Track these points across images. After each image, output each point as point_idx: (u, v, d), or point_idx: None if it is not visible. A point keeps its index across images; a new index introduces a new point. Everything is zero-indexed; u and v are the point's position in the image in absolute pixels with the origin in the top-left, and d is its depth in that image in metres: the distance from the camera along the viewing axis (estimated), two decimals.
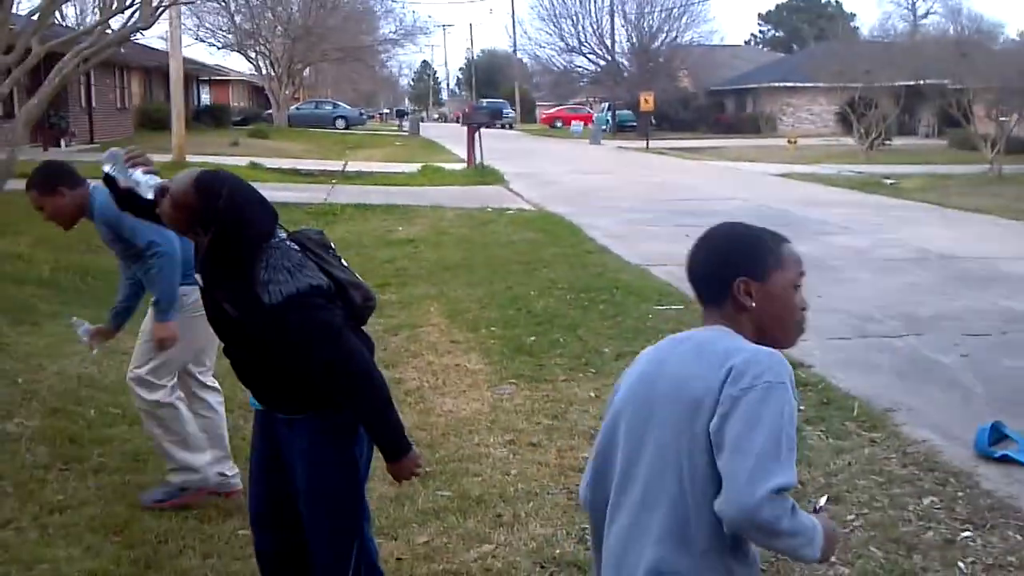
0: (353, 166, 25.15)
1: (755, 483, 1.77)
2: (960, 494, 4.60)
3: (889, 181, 22.94)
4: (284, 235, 2.95)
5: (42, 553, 3.95)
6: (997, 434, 5.20)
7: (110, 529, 4.18)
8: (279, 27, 46.31)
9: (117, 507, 4.38)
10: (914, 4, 67.39)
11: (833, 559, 3.93)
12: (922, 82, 32.09)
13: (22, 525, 4.20)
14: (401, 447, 2.97)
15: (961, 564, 3.92)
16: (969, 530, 4.23)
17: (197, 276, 3.03)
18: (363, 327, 3.06)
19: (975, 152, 27.08)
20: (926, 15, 59.12)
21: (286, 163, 24.07)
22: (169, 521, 4.29)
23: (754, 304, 1.98)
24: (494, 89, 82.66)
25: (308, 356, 2.84)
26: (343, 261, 3.05)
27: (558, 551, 4.04)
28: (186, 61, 27.64)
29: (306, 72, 54.59)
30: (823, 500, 2.25)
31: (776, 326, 2.01)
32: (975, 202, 18.16)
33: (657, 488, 1.93)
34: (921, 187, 21.55)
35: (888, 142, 34.06)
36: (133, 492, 4.52)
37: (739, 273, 1.99)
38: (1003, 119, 26.49)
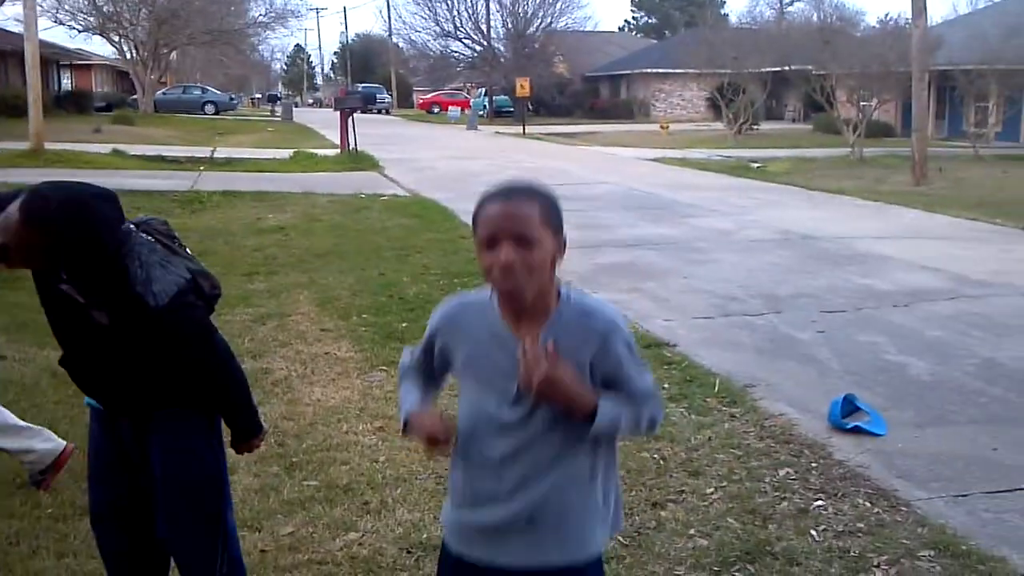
0: (222, 152, 24.54)
1: None
2: (814, 465, 4.78)
3: (756, 165, 23.63)
4: (132, 226, 2.84)
5: None
6: (849, 406, 5.41)
7: None
8: (143, 9, 44.79)
9: None
10: None
11: (692, 531, 4.05)
12: (788, 68, 33.10)
13: None
14: (254, 428, 3.07)
15: (813, 532, 4.07)
16: (822, 499, 4.39)
17: (65, 288, 2.80)
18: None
19: (838, 136, 28.15)
20: (792, 3, 61.03)
21: (151, 150, 23.35)
22: (21, 521, 4.13)
23: None
24: (370, 74, 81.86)
25: (180, 355, 2.82)
26: (187, 250, 3.00)
27: (425, 536, 4.04)
28: (44, 44, 26.55)
29: (173, 56, 52.96)
30: None
31: None
32: (837, 184, 18.88)
33: None
34: (786, 170, 22.27)
35: (756, 127, 35.11)
36: None
37: None
38: (863, 104, 27.54)
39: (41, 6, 27.01)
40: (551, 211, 2.12)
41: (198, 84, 58.39)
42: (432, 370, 2.36)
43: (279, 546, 3.96)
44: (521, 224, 2.06)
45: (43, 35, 26.28)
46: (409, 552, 3.93)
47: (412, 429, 2.24)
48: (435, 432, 2.18)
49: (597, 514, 2.23)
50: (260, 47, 66.11)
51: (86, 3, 43.96)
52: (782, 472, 4.68)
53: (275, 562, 3.83)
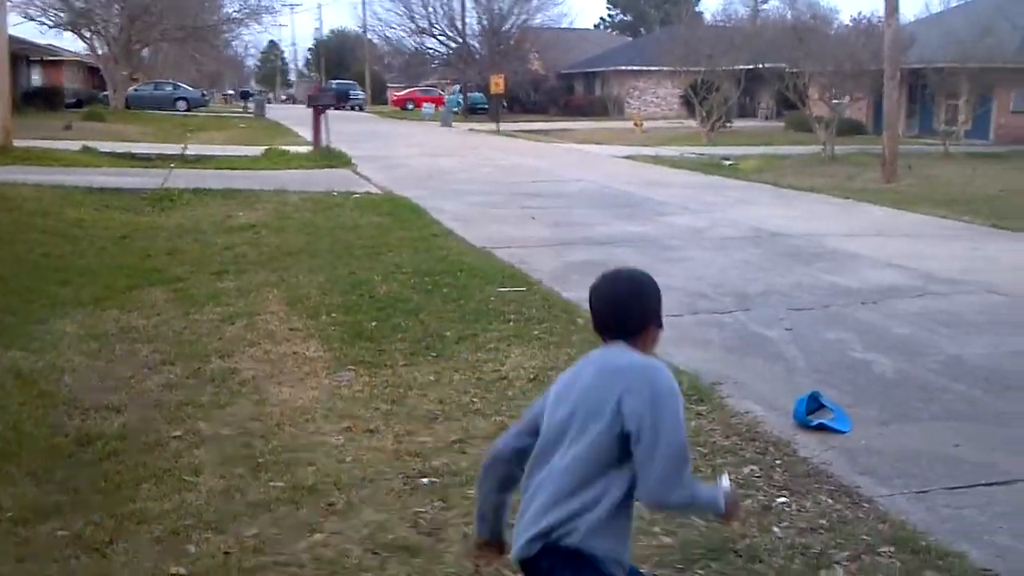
0: (193, 149, 24.41)
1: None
2: (778, 462, 4.81)
3: (728, 162, 23.72)
4: None
5: None
6: (815, 404, 5.45)
7: None
8: (115, 4, 44.43)
9: None
10: None
11: (656, 528, 4.06)
12: (761, 66, 33.22)
13: None
14: None
15: (776, 529, 4.10)
16: (785, 496, 4.43)
17: None
18: None
19: (810, 133, 28.30)
20: (766, 1, 61.24)
21: (122, 147, 23.14)
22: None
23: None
24: (344, 70, 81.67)
25: None
26: None
27: (391, 536, 4.04)
28: (14, 40, 26.27)
29: (145, 52, 52.59)
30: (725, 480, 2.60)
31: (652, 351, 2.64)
32: (808, 182, 19.00)
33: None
34: (758, 168, 22.38)
35: (729, 124, 35.26)
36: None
37: (654, 319, 2.63)
38: (836, 102, 27.71)
39: (10, 1, 26.74)
40: None
41: (170, 80, 58.06)
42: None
43: (243, 548, 3.93)
44: None
45: (13, 31, 26.00)
46: (375, 553, 3.92)
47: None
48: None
49: None
50: (233, 43, 65.84)
51: None
52: (747, 469, 4.71)
53: (239, 564, 3.81)
